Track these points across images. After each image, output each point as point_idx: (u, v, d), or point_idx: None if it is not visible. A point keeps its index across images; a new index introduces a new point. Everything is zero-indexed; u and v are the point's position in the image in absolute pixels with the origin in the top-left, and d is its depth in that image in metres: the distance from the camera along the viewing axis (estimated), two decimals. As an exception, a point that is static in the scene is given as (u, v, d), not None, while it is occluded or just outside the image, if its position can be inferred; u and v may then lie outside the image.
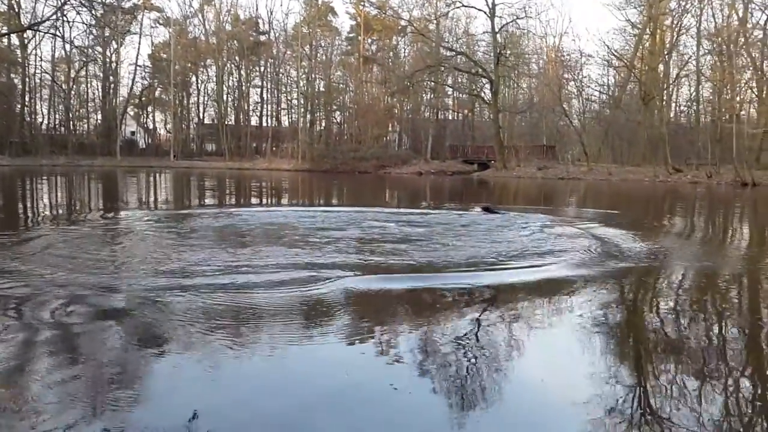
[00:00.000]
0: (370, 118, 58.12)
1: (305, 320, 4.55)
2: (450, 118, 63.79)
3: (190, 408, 2.95)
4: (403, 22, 59.55)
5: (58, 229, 10.37)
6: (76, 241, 8.54)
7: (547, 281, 6.10)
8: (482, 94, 56.26)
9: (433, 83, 57.60)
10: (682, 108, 54.57)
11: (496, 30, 50.17)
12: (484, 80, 53.31)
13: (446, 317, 4.59)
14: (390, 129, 63.70)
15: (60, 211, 14.36)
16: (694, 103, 50.42)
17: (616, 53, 51.00)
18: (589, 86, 55.24)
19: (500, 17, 50.13)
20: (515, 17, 50.55)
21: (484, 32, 55.01)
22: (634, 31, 50.83)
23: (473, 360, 3.70)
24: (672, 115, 51.97)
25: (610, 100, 54.67)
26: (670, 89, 50.05)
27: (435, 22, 57.02)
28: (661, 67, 48.33)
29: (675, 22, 47.74)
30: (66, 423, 2.78)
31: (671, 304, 5.43)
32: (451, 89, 60.89)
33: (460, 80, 58.62)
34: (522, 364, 3.72)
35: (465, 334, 4.21)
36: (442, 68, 55.01)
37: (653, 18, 47.44)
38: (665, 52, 47.90)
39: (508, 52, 51.88)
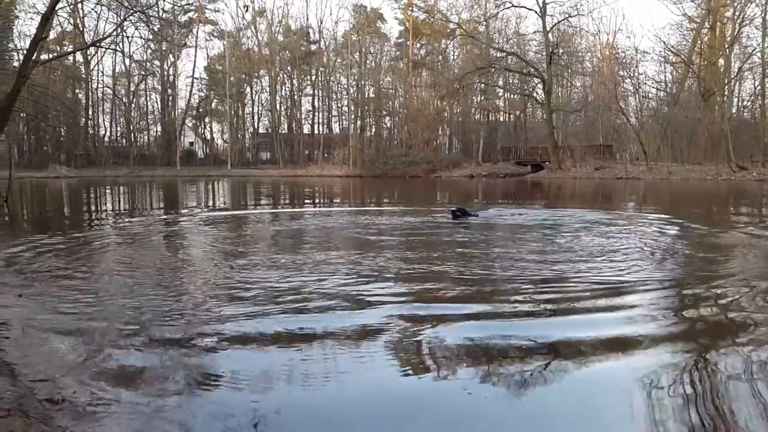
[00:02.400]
0: (420, 122, 58.17)
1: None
2: (501, 119, 63.14)
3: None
4: (451, 26, 59.39)
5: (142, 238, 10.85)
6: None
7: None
8: (535, 94, 55.51)
9: (483, 85, 57.18)
10: (745, 103, 52.42)
11: (548, 29, 49.47)
12: (537, 80, 52.65)
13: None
14: (440, 132, 63.57)
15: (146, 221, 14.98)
16: (759, 98, 48.28)
17: (672, 49, 49.44)
18: (645, 83, 53.77)
19: (551, 16, 49.44)
20: (567, 15, 49.74)
21: (535, 32, 54.34)
22: (692, 26, 49.18)
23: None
24: (734, 110, 49.94)
25: (668, 97, 52.97)
26: (732, 84, 48.10)
27: (484, 23, 56.63)
28: (721, 61, 46.50)
29: (737, 13, 45.88)
30: None
31: None
32: (502, 90, 60.29)
33: (511, 81, 57.97)
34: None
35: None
36: (493, 69, 54.56)
37: (712, 10, 45.74)
38: (726, 46, 46.07)
39: (561, 50, 51.01)
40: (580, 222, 13.09)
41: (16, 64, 30.00)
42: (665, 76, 55.45)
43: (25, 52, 23.75)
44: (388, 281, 6.90)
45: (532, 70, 51.58)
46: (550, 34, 49.55)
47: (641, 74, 53.96)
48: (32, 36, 20.72)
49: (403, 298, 6.02)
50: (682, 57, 48.42)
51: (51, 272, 7.96)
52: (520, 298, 5.92)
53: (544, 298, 5.97)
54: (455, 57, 64.85)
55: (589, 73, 56.00)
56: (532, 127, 59.45)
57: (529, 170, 50.92)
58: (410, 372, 4.08)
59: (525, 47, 55.69)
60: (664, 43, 54.90)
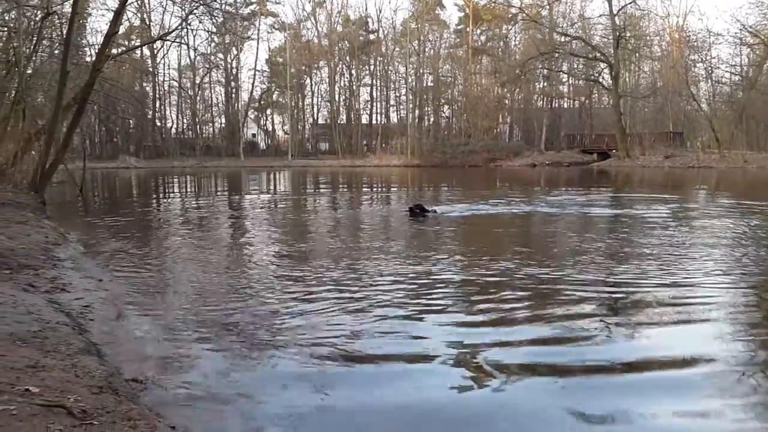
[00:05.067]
0: (480, 110, 57.23)
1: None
2: (565, 106, 61.38)
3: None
4: (513, 10, 58.03)
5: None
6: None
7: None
8: (601, 80, 53.63)
9: (546, 71, 55.66)
10: (832, 85, 48.92)
11: (614, 12, 47.61)
12: (603, 65, 50.83)
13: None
14: (500, 120, 62.39)
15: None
16: None
17: (751, 29, 46.56)
18: (719, 67, 50.86)
19: (618, -1, 47.47)
20: (634, -2, 47.60)
21: (600, 15, 52.36)
22: (774, 3, 46.13)
23: None
24: (820, 93, 46.74)
25: (744, 81, 50.06)
26: (818, 64, 45.05)
27: (547, 7, 55.04)
28: (806, 40, 43.58)
29: (824, -12, 42.81)
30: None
31: None
32: (566, 76, 58.59)
33: (575, 66, 56.24)
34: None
35: None
36: (557, 55, 52.99)
37: (797, -14, 42.86)
38: (812, 24, 43.14)
39: (628, 34, 49.01)
40: (652, 213, 12.52)
41: (87, 59, 31.26)
42: (741, 60, 52.45)
43: (96, 47, 24.79)
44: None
45: (598, 54, 49.82)
46: (616, 18, 47.70)
47: (714, 58, 51.21)
48: (104, 31, 21.53)
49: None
50: (762, 38, 45.64)
51: (126, 256, 8.25)
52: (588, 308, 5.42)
53: (612, 306, 5.55)
54: (517, 42, 63.44)
55: (658, 58, 53.59)
56: (598, 114, 57.49)
57: (595, 158, 49.32)
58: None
59: (590, 31, 53.78)
60: (741, 23, 51.86)
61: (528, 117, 59.00)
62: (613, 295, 5.87)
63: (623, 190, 22.92)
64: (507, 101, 61.18)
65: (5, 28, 20.84)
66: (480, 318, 5.18)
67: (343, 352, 4.21)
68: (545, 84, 58.74)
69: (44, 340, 3.81)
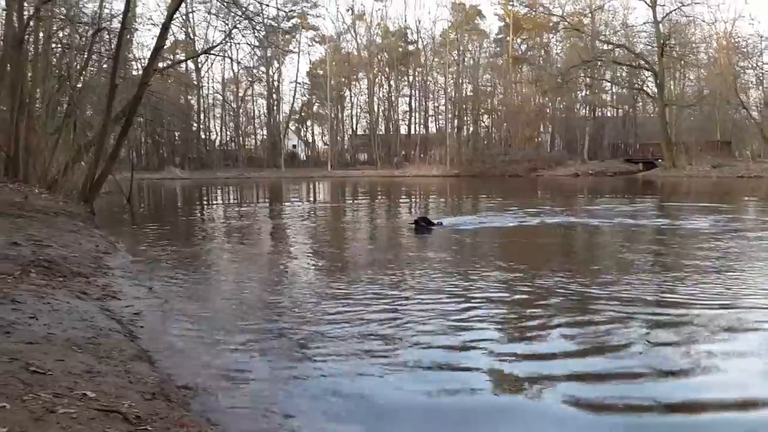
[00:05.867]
0: (520, 120, 56.66)
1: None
2: (609, 115, 60.25)
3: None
4: (554, 19, 57.40)
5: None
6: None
7: None
8: (645, 88, 52.49)
9: (588, 79, 54.77)
10: None
11: (659, 19, 46.60)
12: (647, 73, 49.75)
13: None
14: (541, 130, 61.64)
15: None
16: None
17: (806, 33, 44.94)
18: (770, 73, 49.23)
19: (662, 5, 46.50)
20: (680, 4, 46.50)
21: (644, 23, 51.17)
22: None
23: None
24: None
25: (798, 87, 48.32)
26: None
27: (590, 15, 54.27)
28: None
29: None
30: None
31: None
32: (609, 84, 57.56)
33: (619, 74, 55.21)
34: None
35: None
36: (599, 63, 52.14)
37: None
38: None
39: (673, 41, 47.86)
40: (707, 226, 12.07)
41: (134, 72, 32.19)
42: (794, 65, 50.61)
43: (142, 61, 25.51)
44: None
45: (641, 62, 48.85)
46: (661, 25, 46.72)
47: (766, 64, 49.58)
48: (149, 45, 22.15)
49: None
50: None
51: (174, 264, 8.40)
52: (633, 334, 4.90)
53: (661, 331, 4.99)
54: (558, 51, 62.77)
55: (705, 65, 52.22)
56: (643, 123, 56.24)
57: (640, 168, 48.28)
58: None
59: (634, 39, 52.73)
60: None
61: (570, 126, 58.11)
62: (662, 318, 5.35)
63: (670, 200, 22.33)
64: (548, 110, 60.45)
65: (59, 45, 21.67)
66: (519, 350, 4.62)
67: (388, 363, 4.17)
68: (587, 93, 57.80)
69: (98, 346, 3.88)
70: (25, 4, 16.95)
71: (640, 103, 57.16)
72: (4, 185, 14.22)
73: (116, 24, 19.75)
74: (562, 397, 3.64)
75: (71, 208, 13.61)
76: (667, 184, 34.87)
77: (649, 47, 49.65)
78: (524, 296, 6.20)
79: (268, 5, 21.65)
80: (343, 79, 66.42)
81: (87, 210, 14.48)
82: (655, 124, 49.71)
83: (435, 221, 12.23)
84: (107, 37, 22.51)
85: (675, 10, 46.84)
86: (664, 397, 3.60)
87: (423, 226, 11.80)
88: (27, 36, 17.26)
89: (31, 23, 17.18)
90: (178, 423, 2.85)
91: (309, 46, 69.39)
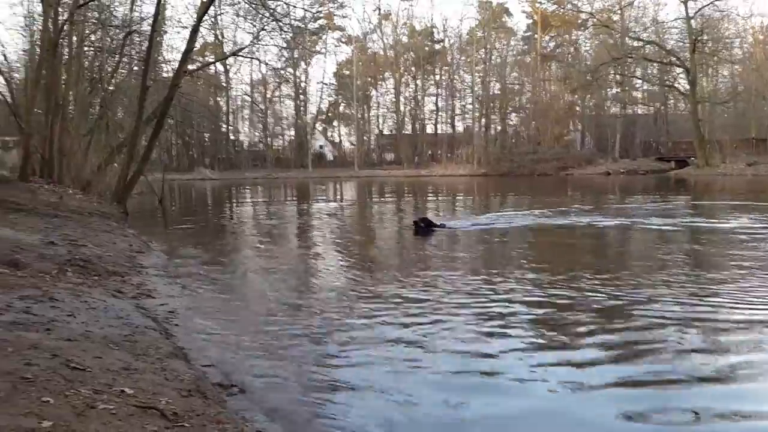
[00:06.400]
0: (550, 118, 56.01)
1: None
2: (639, 112, 59.18)
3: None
4: (583, 15, 56.58)
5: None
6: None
7: None
8: (677, 85, 51.41)
9: (619, 76, 53.85)
10: None
11: (691, 15, 45.59)
12: (679, 70, 48.72)
13: None
14: (571, 128, 60.84)
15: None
16: None
17: None
18: (810, 68, 47.78)
19: (695, 0, 45.45)
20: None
21: (676, 18, 50.17)
22: None
23: None
24: None
25: (839, 82, 46.80)
26: None
27: (619, 12, 53.39)
28: None
29: None
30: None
31: None
32: (640, 81, 56.50)
33: (650, 71, 54.18)
34: None
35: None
36: (629, 60, 51.23)
37: None
38: None
39: (706, 37, 46.74)
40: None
41: (164, 74, 32.67)
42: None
43: (171, 63, 25.87)
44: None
45: (673, 59, 47.84)
46: (693, 21, 45.67)
47: (805, 57, 48.10)
48: (179, 47, 22.45)
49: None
50: None
51: (206, 263, 8.49)
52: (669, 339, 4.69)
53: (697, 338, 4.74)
54: (587, 48, 61.83)
55: (739, 61, 50.92)
56: (675, 120, 55.06)
57: (672, 166, 47.33)
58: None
59: (665, 35, 51.69)
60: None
61: (600, 124, 57.21)
62: (699, 324, 5.13)
63: (704, 198, 21.83)
64: (578, 108, 59.65)
65: (91, 48, 22.10)
66: (549, 358, 4.44)
67: (423, 368, 4.14)
68: (618, 90, 56.85)
69: (134, 343, 3.93)
70: (60, 9, 17.36)
71: (672, 101, 56.07)
72: (40, 186, 14.57)
73: (146, 27, 20.04)
74: (600, 406, 3.56)
75: (105, 208, 13.88)
76: (700, 182, 34.13)
77: (681, 43, 48.70)
78: (559, 300, 6.07)
79: (295, 6, 21.65)
80: (370, 79, 66.51)
81: (120, 210, 14.74)
82: (688, 122, 48.65)
83: (437, 223, 11.87)
84: (138, 39, 22.90)
85: (708, 5, 45.79)
86: (703, 405, 3.49)
87: (422, 227, 11.47)
88: (61, 40, 17.66)
89: (66, 27, 17.53)
90: (214, 420, 2.86)
91: (335, 46, 69.63)
